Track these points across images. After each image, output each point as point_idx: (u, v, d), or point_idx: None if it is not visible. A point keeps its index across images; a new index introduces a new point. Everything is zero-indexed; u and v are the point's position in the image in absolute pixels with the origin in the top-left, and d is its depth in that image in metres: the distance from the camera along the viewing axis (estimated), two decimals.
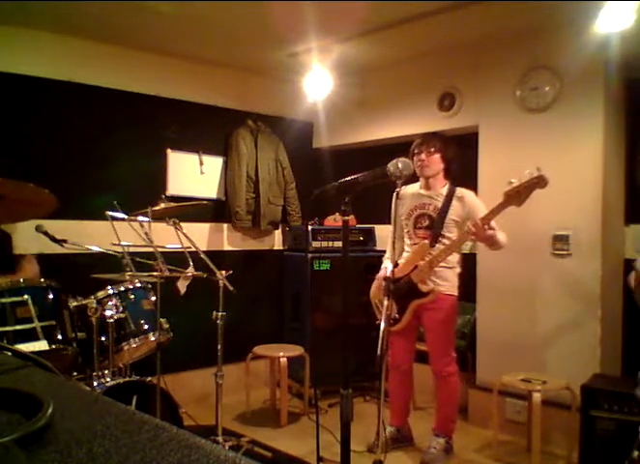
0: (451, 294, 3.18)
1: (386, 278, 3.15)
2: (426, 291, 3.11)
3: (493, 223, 2.90)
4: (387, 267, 3.35)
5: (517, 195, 2.73)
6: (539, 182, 2.70)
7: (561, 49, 3.38)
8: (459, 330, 3.98)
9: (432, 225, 3.18)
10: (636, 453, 1.80)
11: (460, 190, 3.20)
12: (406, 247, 3.31)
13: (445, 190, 3.22)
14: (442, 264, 3.11)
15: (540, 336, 3.50)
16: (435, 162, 3.19)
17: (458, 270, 3.24)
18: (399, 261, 3.25)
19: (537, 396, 3.05)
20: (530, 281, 3.55)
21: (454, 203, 3.17)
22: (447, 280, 3.17)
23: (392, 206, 3.37)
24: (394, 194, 3.36)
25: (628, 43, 3.11)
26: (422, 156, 3.18)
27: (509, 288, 3.64)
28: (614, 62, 3.25)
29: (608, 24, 2.95)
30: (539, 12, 3.23)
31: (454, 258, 3.20)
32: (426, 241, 3.16)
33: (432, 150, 3.18)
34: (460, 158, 3.33)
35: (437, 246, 3.13)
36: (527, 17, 3.35)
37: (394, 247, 3.41)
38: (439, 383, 3.23)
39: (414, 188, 3.30)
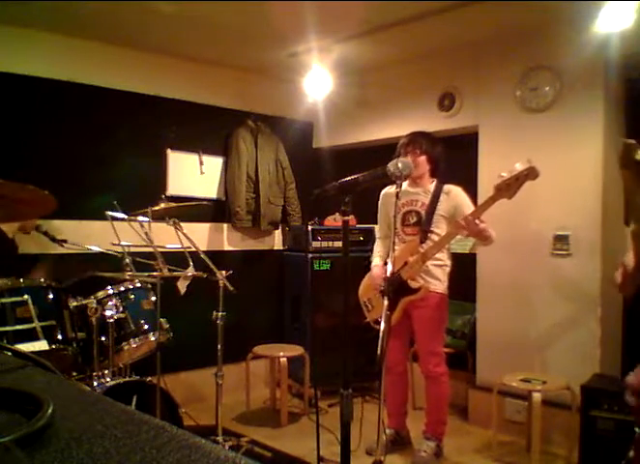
0: (441, 292, 3.17)
1: (384, 278, 3.15)
2: (416, 287, 3.09)
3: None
4: (378, 265, 3.34)
5: (507, 188, 2.71)
6: (530, 173, 2.67)
7: (561, 49, 3.38)
8: (459, 330, 3.98)
9: (420, 222, 3.17)
10: (632, 453, 1.80)
11: (448, 186, 3.20)
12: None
13: (432, 187, 3.22)
14: (431, 261, 3.10)
15: (540, 336, 3.50)
16: (421, 164, 3.18)
17: (448, 268, 3.22)
18: (388, 260, 3.23)
19: (536, 396, 3.05)
20: (530, 281, 3.55)
21: (442, 199, 3.17)
22: (436, 278, 3.15)
23: (379, 205, 3.42)
24: (383, 194, 3.39)
25: (628, 43, 3.11)
26: (409, 157, 3.16)
27: (509, 288, 3.64)
28: (614, 62, 3.25)
29: (608, 24, 2.95)
30: (539, 12, 3.23)
31: (444, 255, 3.19)
32: (415, 237, 3.15)
33: (418, 152, 3.18)
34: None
35: (426, 242, 3.12)
36: (527, 17, 3.35)
37: (381, 246, 3.42)
38: (429, 384, 3.20)
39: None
